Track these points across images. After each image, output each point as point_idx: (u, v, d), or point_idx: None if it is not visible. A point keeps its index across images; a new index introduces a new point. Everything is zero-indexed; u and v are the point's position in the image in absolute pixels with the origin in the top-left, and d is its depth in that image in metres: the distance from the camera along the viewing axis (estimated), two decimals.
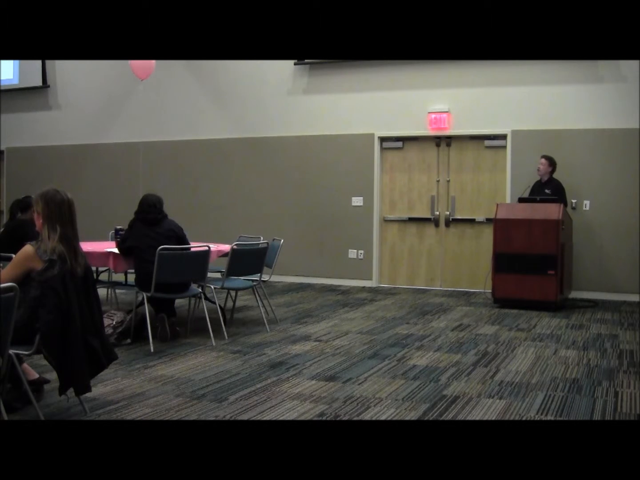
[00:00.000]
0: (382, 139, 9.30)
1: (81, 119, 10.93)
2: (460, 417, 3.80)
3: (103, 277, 6.99)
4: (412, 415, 3.84)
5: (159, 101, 10.36)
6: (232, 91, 10.01)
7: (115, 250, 5.72)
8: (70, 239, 3.63)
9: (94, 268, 6.14)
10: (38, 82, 11.13)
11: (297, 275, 9.56)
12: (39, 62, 11.06)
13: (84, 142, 10.89)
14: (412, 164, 9.24)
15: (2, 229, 6.30)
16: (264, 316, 6.39)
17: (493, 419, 3.77)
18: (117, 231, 6.47)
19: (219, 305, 6.11)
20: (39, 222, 3.64)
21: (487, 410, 3.93)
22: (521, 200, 7.73)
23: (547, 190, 7.83)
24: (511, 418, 3.79)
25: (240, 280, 6.43)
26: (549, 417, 3.82)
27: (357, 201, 9.37)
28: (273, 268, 6.59)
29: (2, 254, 4.49)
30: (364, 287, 9.19)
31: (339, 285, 9.26)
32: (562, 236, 7.25)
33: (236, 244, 6.06)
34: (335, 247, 9.46)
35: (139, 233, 5.63)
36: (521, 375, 4.70)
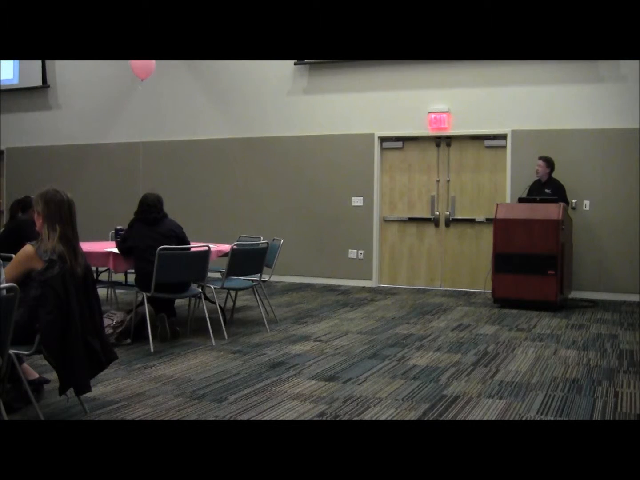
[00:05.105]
0: (382, 139, 9.30)
1: (81, 119, 10.93)
2: (460, 417, 3.80)
3: (103, 277, 6.99)
4: (412, 415, 3.84)
5: (159, 101, 10.36)
6: (232, 91, 10.01)
7: (115, 250, 5.72)
8: (70, 239, 3.63)
9: (94, 268, 6.14)
10: (38, 82, 11.13)
11: (297, 275, 9.56)
12: (39, 62, 11.06)
13: (84, 142, 10.90)
14: (412, 164, 9.24)
15: (2, 229, 6.30)
16: (264, 316, 6.39)
17: (493, 419, 3.78)
18: (117, 231, 6.47)
19: (219, 305, 6.12)
20: (39, 222, 3.65)
21: (487, 410, 3.93)
22: (521, 200, 7.73)
23: (547, 190, 7.83)
24: (511, 418, 3.79)
25: (240, 280, 6.43)
26: (549, 417, 3.82)
27: (357, 201, 9.37)
28: (273, 268, 6.59)
29: (2, 254, 4.49)
30: (364, 287, 9.19)
31: (339, 285, 9.26)
32: (562, 236, 7.25)
33: (236, 244, 6.06)
34: (335, 247, 9.46)
35: (139, 233, 5.63)
36: (521, 375, 4.70)
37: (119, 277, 6.74)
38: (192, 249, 5.77)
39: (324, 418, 3.78)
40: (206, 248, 5.69)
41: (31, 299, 3.53)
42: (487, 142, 8.86)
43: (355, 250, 9.37)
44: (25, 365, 3.91)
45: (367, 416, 3.82)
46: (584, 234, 8.26)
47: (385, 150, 9.34)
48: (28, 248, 3.60)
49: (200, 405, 3.99)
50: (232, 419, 3.75)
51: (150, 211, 5.72)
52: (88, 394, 3.85)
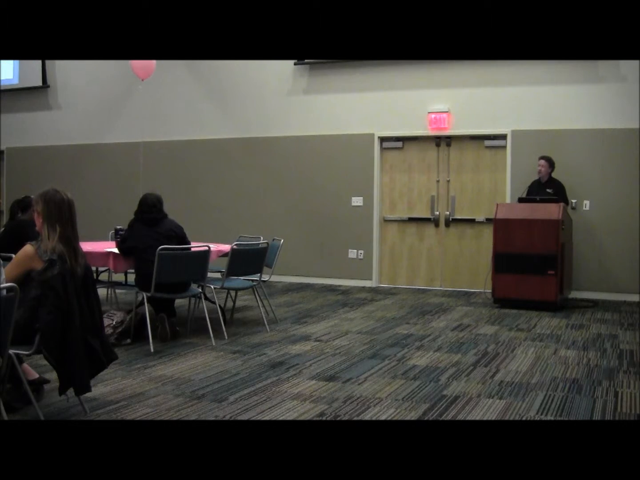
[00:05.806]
0: (382, 139, 9.30)
1: (81, 119, 10.93)
2: (460, 417, 3.80)
3: (103, 277, 6.99)
4: (412, 415, 3.84)
5: (159, 101, 10.36)
6: (232, 91, 10.01)
7: (115, 250, 5.72)
8: (70, 239, 3.63)
9: (94, 268, 6.14)
10: (38, 82, 11.13)
11: (297, 275, 9.56)
12: (39, 62, 11.05)
13: (84, 142, 10.89)
14: (412, 164, 9.24)
15: (2, 229, 6.29)
16: (264, 316, 6.39)
17: (493, 419, 3.78)
18: (117, 231, 6.47)
19: (219, 305, 6.12)
20: (39, 221, 3.65)
21: (487, 410, 3.93)
22: (521, 200, 7.73)
23: (549, 190, 7.84)
24: (511, 418, 3.79)
25: (240, 280, 6.43)
26: (549, 417, 3.82)
27: (357, 201, 9.37)
28: (273, 268, 6.59)
29: (2, 254, 4.48)
30: (364, 287, 9.19)
31: (339, 285, 9.26)
32: (562, 236, 7.25)
33: (236, 244, 6.06)
34: (335, 247, 9.45)
35: (139, 233, 5.63)
36: (521, 375, 4.70)
37: (119, 277, 6.74)
38: (192, 249, 5.77)
39: (324, 418, 3.78)
40: (206, 248, 5.69)
41: (31, 299, 3.52)
42: (487, 142, 8.85)
43: (355, 250, 9.37)
44: (25, 365, 3.91)
45: (367, 416, 3.82)
46: (584, 234, 8.26)
47: (385, 150, 9.33)
48: (28, 248, 3.60)
49: (200, 405, 3.99)
50: (232, 419, 3.75)
51: (150, 211, 5.72)
52: (88, 394, 3.85)
